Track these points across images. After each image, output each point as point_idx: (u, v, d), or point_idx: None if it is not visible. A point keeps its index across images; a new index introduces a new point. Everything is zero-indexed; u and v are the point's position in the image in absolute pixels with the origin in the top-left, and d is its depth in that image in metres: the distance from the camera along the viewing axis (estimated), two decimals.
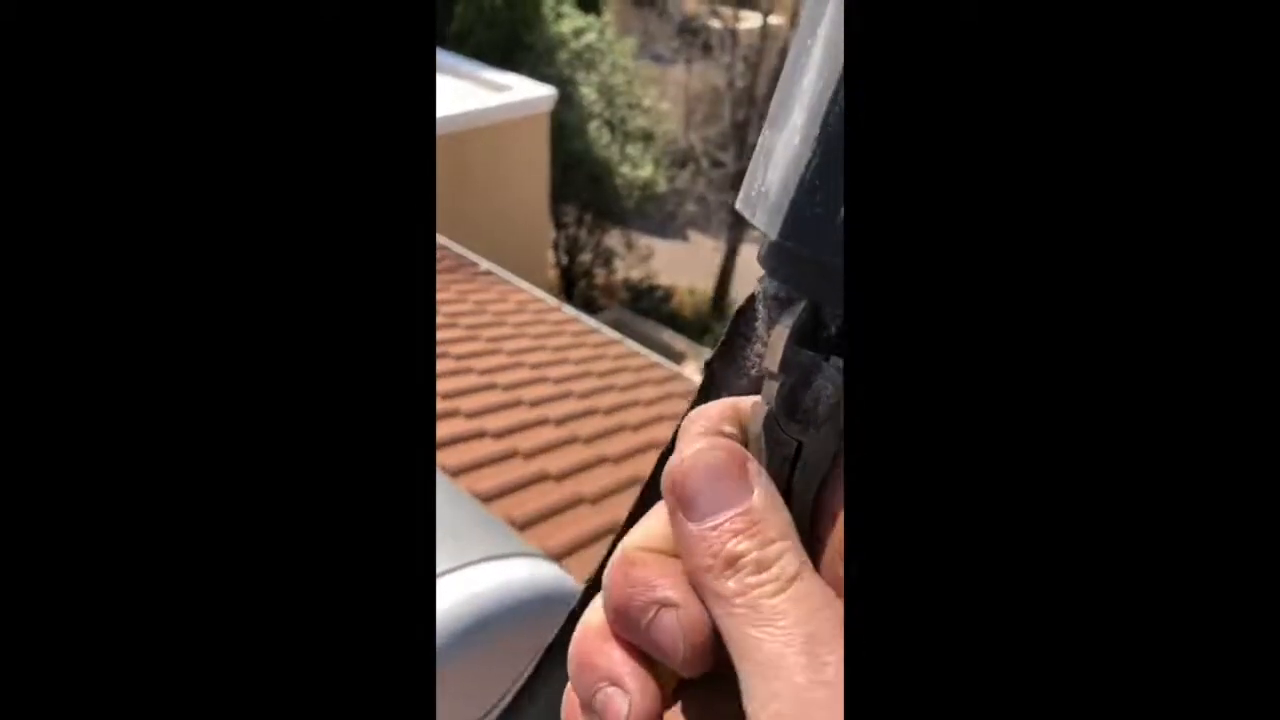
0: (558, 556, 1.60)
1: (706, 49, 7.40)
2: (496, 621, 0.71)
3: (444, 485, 0.94)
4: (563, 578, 0.82)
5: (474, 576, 0.70)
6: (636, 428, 2.47)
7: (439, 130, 4.66)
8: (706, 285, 8.59)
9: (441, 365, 2.46)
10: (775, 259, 0.21)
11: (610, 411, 2.53)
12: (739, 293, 8.76)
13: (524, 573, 0.74)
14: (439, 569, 0.71)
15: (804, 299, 0.20)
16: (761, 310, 0.22)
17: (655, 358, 3.32)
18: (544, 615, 0.76)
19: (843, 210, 0.18)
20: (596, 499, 1.98)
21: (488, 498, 1.84)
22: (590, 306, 7.64)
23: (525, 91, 5.40)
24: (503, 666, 0.73)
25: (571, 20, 6.80)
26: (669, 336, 6.87)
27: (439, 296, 3.14)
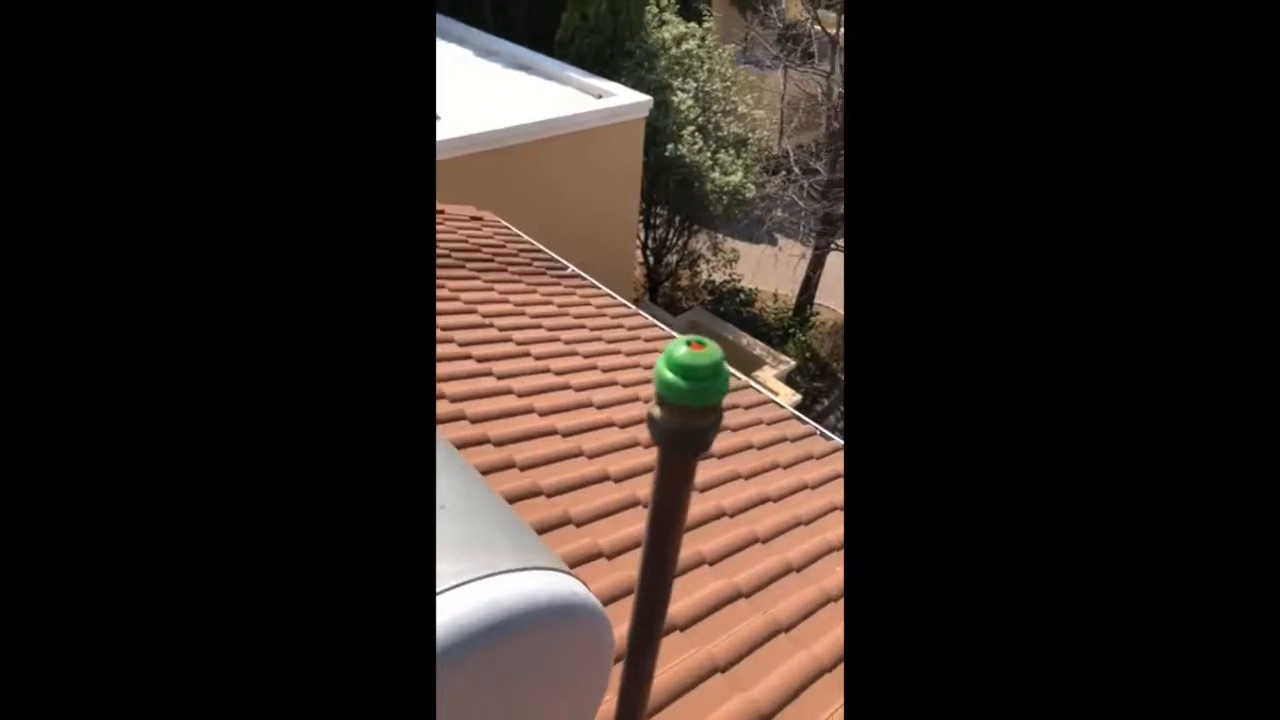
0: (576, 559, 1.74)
1: (807, 56, 7.33)
2: (512, 632, 0.80)
3: (485, 492, 1.06)
4: (580, 590, 0.92)
5: (494, 586, 0.81)
6: None
7: (537, 135, 4.84)
8: (791, 291, 8.52)
9: (522, 364, 2.65)
10: None
11: None
12: (823, 300, 8.63)
13: (538, 585, 0.85)
14: (466, 577, 0.82)
15: None
16: None
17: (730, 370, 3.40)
18: (554, 630, 0.84)
19: None
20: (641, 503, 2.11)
21: (551, 493, 2.00)
22: (672, 307, 7.74)
23: (623, 98, 5.50)
24: (509, 679, 0.82)
25: (673, 27, 6.87)
26: (747, 341, 6.86)
27: (527, 298, 3.31)
